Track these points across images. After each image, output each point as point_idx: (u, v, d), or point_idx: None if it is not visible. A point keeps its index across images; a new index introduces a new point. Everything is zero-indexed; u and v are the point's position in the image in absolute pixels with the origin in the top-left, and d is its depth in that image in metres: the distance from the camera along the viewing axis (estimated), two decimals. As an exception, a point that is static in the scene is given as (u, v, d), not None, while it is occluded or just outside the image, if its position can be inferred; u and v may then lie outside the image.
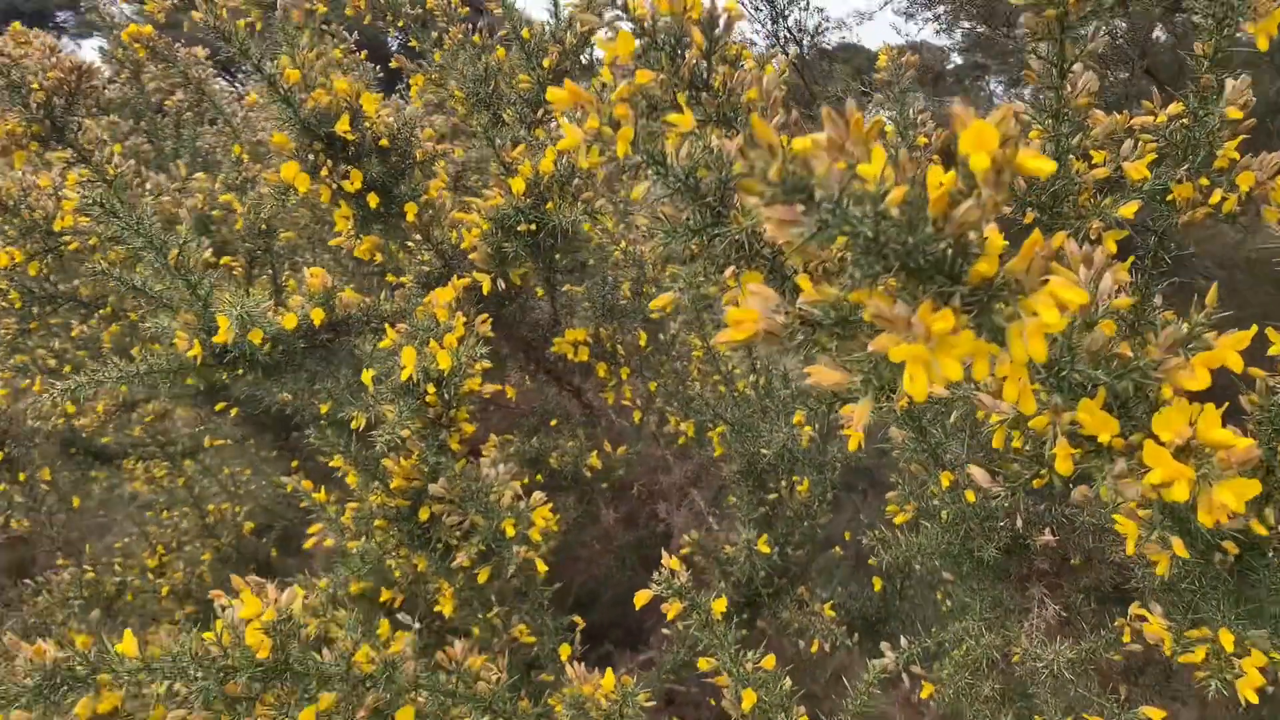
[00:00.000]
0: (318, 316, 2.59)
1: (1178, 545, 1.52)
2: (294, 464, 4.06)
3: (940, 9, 6.01)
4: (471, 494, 2.52)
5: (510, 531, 2.53)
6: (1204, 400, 1.46)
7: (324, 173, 2.52)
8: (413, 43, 4.43)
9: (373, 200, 2.57)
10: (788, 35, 5.95)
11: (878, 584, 3.34)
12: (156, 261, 2.33)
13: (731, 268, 1.62)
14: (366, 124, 2.58)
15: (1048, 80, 1.91)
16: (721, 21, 1.94)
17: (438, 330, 2.57)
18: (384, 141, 2.59)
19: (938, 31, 6.77)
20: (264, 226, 3.78)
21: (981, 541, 2.42)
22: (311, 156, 2.53)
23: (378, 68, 5.20)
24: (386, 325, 2.57)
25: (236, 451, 4.82)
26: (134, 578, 4.01)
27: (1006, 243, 1.22)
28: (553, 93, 1.50)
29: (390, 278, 3.20)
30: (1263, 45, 1.86)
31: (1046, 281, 1.13)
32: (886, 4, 6.21)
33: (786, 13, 5.74)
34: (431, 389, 2.43)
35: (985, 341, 1.21)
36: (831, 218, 1.10)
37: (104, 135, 4.44)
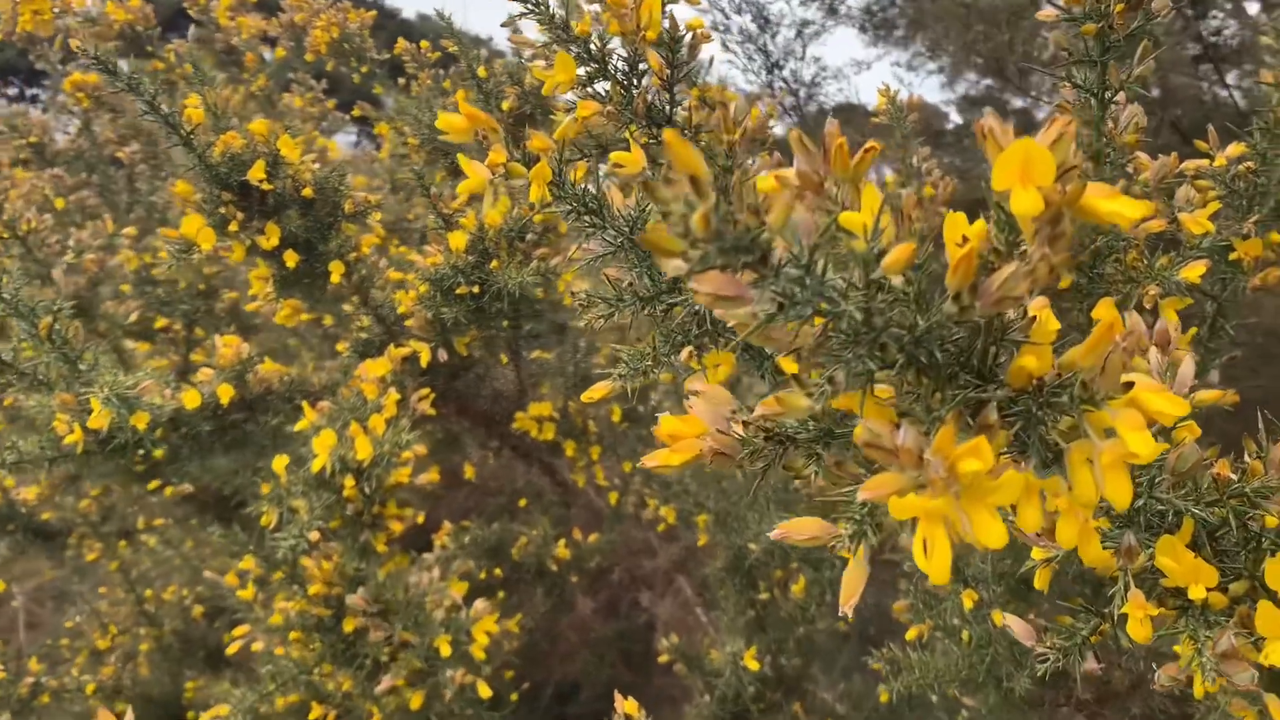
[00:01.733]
0: (225, 394, 2.21)
1: (1274, 706, 1.10)
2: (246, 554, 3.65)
3: (944, 59, 5.70)
4: (399, 606, 2.12)
5: (446, 650, 2.13)
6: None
7: (233, 227, 2.16)
8: (377, 89, 4.13)
9: (290, 259, 2.20)
10: (784, 87, 5.64)
11: (884, 694, 2.91)
12: (25, 331, 1.96)
13: (689, 347, 1.24)
14: (288, 171, 2.22)
15: (1085, 113, 1.55)
16: (685, 43, 1.58)
17: (363, 410, 2.19)
18: (307, 191, 2.23)
19: (942, 85, 6.46)
20: (203, 286, 3.43)
21: (1011, 669, 2.01)
22: (220, 209, 2.17)
23: (348, 116, 4.90)
24: (305, 404, 2.19)
25: (184, 530, 4.42)
26: (53, 678, 3.59)
27: (1059, 325, 0.84)
28: (445, 119, 1.14)
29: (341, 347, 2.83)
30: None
31: (1130, 385, 0.75)
32: (884, 55, 5.88)
33: (782, 63, 5.43)
34: (350, 481, 2.05)
35: (1035, 476, 0.82)
36: (799, 291, 0.72)
37: (47, 190, 4.12)
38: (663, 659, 2.82)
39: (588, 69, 1.56)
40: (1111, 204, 0.69)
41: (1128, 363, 0.70)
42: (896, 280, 0.77)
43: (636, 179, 1.32)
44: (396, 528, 2.17)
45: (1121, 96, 1.58)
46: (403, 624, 2.12)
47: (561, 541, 3.10)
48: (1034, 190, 0.66)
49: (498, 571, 3.00)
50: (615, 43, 1.57)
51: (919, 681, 2.03)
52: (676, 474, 0.84)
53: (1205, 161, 1.77)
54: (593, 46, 1.55)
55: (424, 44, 3.97)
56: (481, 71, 2.75)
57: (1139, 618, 0.97)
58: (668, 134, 0.62)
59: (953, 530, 0.65)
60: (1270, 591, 0.94)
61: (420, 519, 3.42)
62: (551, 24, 1.53)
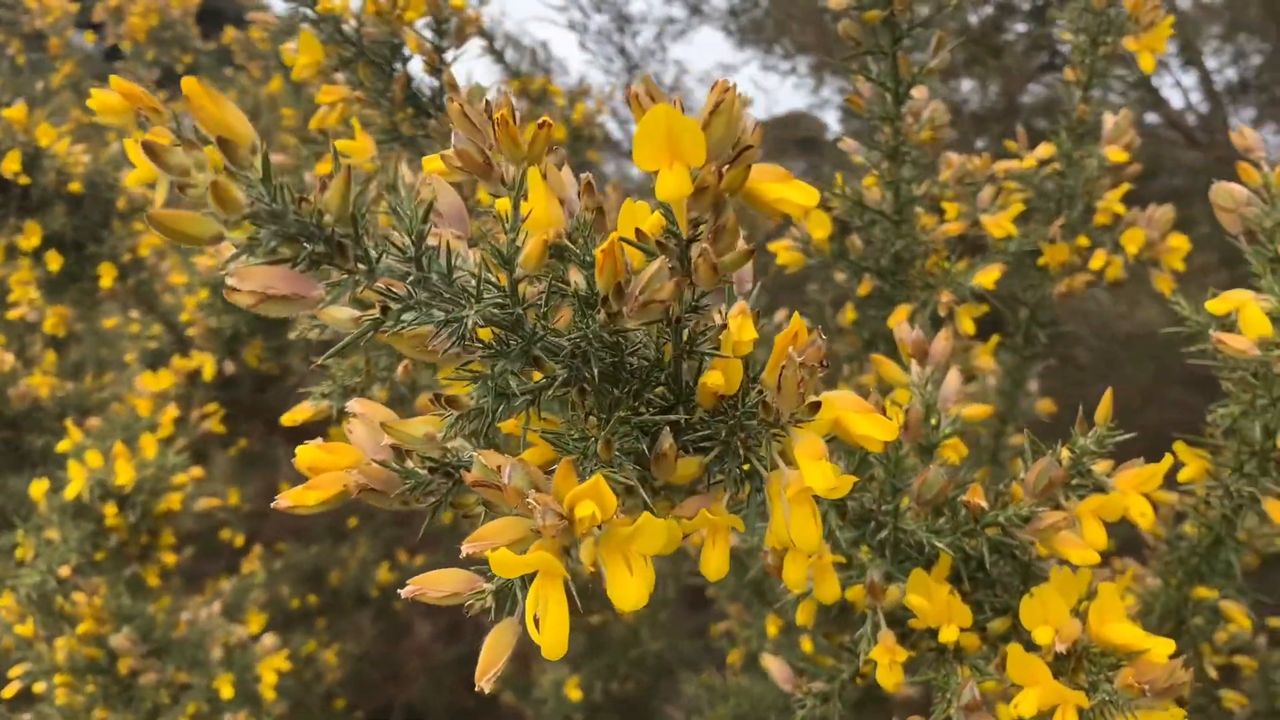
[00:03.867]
0: (-24, 411, 1.98)
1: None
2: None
3: (800, 61, 5.68)
4: (171, 645, 1.92)
5: (227, 692, 1.93)
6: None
7: (-17, 225, 1.93)
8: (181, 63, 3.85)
9: (52, 261, 1.98)
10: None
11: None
12: None
13: (405, 361, 1.10)
14: (52, 164, 2.00)
15: (881, 109, 1.46)
16: (452, 24, 1.44)
17: (135, 429, 1.98)
18: (75, 186, 2.01)
19: (810, 91, 6.45)
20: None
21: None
22: (-31, 204, 1.93)
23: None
24: (69, 423, 1.97)
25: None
26: None
27: (755, 335, 0.72)
28: (97, 97, 0.97)
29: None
30: (1147, 65, 1.44)
31: (817, 406, 0.64)
32: (750, 60, 5.83)
33: (641, 64, 5.33)
34: (112, 510, 1.84)
35: (720, 512, 0.70)
36: (412, 289, 0.58)
37: None
38: (488, 690, 2.66)
39: (341, 52, 1.40)
40: (783, 190, 0.57)
41: (806, 380, 0.58)
42: (578, 280, 0.64)
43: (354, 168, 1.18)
44: (169, 559, 1.96)
45: (921, 92, 1.50)
46: (177, 664, 1.91)
47: (385, 565, 2.91)
48: (682, 170, 0.54)
49: (313, 599, 2.79)
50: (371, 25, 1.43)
51: (734, 711, 1.92)
52: (322, 510, 0.68)
53: (1015, 163, 1.71)
54: (346, 28, 1.39)
55: (254, 32, 3.75)
56: (287, 59, 2.55)
57: (886, 663, 0.86)
58: (187, 83, 0.47)
59: (560, 591, 0.52)
60: (1024, 633, 0.84)
61: (239, 541, 3.19)
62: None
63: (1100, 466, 0.88)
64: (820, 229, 1.52)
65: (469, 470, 0.72)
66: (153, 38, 3.85)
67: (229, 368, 2.14)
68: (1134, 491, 0.85)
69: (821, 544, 0.78)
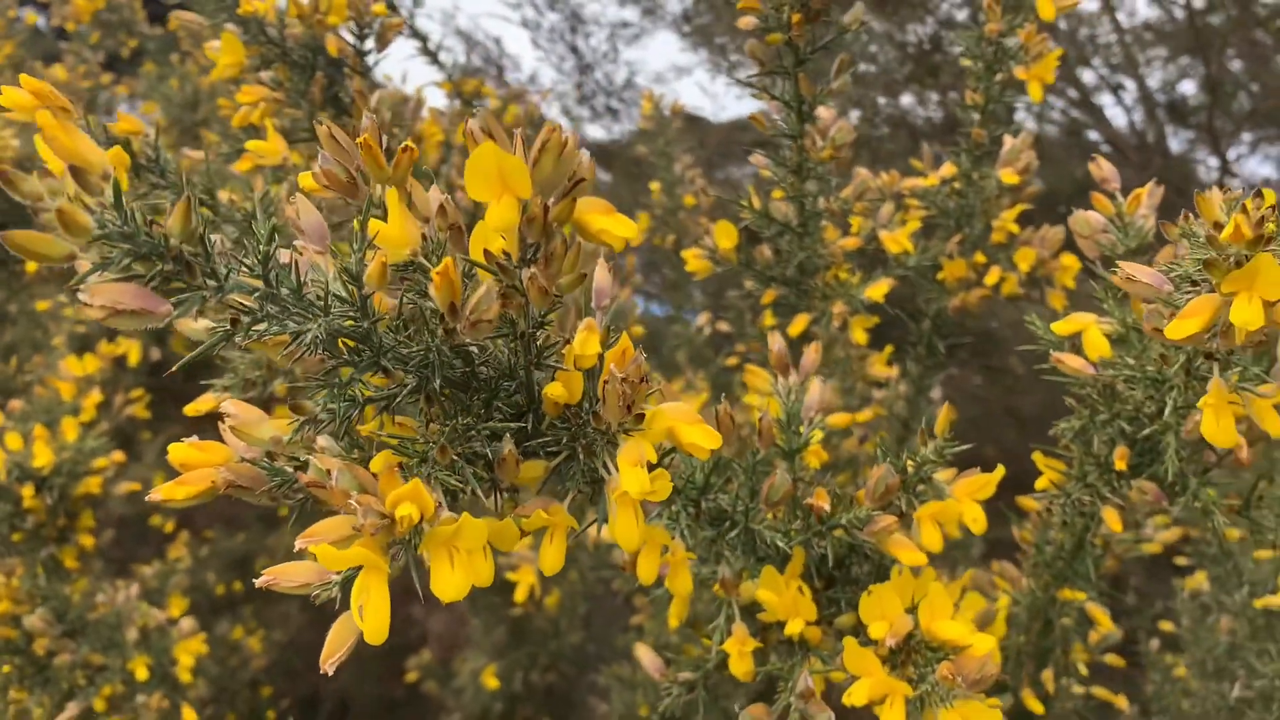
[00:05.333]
0: (-103, 391, 1.99)
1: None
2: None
3: (741, 71, 5.75)
4: (87, 626, 1.94)
5: (141, 674, 1.96)
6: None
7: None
8: (148, 66, 3.85)
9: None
10: (597, 88, 5.59)
11: (643, 708, 2.87)
12: None
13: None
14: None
15: (788, 127, 1.52)
16: (374, 28, 1.48)
17: (58, 412, 2.00)
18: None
19: (739, 96, 6.52)
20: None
21: (729, 689, 1.98)
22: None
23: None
24: (-11, 405, 1.98)
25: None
26: None
27: (598, 350, 0.77)
28: (8, 94, 1.00)
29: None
30: (1035, 95, 1.51)
31: (641, 418, 0.70)
32: (702, 62, 5.90)
33: (594, 65, 5.37)
34: (29, 491, 1.86)
35: (559, 510, 0.76)
36: (262, 303, 0.63)
37: None
38: (410, 678, 2.71)
39: (264, 52, 1.44)
40: (604, 221, 0.63)
41: (630, 394, 0.64)
42: (438, 296, 0.69)
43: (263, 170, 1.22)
44: (88, 541, 1.98)
45: (827, 112, 1.56)
46: (91, 645, 1.94)
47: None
48: (511, 202, 0.59)
49: (238, 586, 2.81)
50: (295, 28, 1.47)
51: (641, 701, 1.99)
52: (188, 506, 0.73)
53: (920, 180, 1.79)
54: (270, 30, 1.43)
55: (190, 16, 3.73)
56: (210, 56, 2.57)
57: (737, 652, 0.93)
58: (41, 116, 0.52)
59: (386, 587, 0.57)
60: (863, 628, 0.91)
61: (169, 527, 3.20)
62: (221, 2, 1.40)
63: (942, 475, 0.95)
64: (726, 239, 1.59)
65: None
66: (97, 20, 3.82)
67: (154, 354, 2.16)
68: (968, 499, 0.92)
69: (671, 539, 0.84)
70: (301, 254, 0.63)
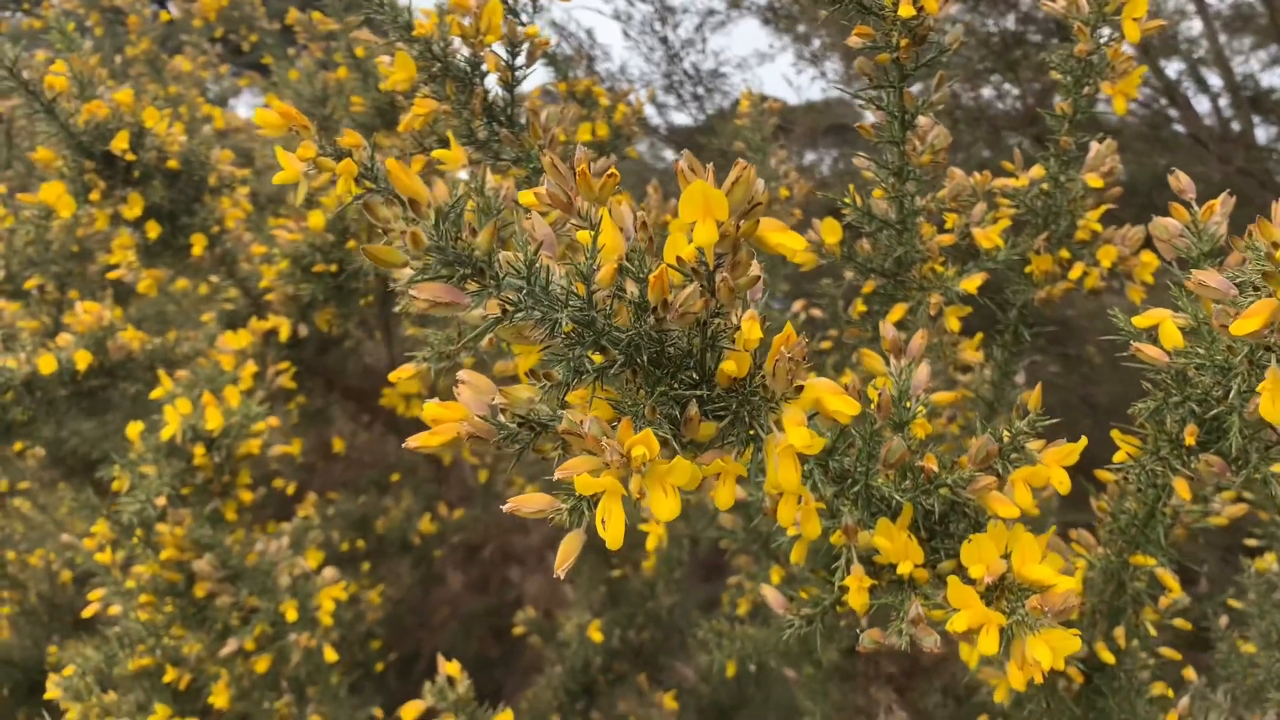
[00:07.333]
0: (83, 360, 2.25)
1: (1013, 677, 1.25)
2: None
3: (829, 65, 5.87)
4: (245, 572, 2.19)
5: (291, 615, 2.21)
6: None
7: (95, 195, 2.19)
8: (266, 59, 4.12)
9: (152, 230, 2.24)
10: (685, 77, 5.75)
11: (731, 668, 3.07)
12: None
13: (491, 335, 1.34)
14: (154, 143, 2.25)
15: (889, 134, 1.69)
16: (524, 47, 1.67)
17: (219, 381, 2.25)
18: (172, 163, 2.27)
19: (824, 91, 6.62)
20: (76, 248, 3.41)
21: (822, 642, 2.16)
22: (83, 176, 2.19)
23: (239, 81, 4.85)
24: (161, 373, 2.24)
25: (50, 494, 4.36)
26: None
27: (760, 335, 0.96)
28: (260, 115, 1.21)
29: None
30: (1120, 108, 1.66)
31: (801, 389, 0.88)
32: (786, 48, 6.02)
33: (681, 55, 5.55)
34: (200, 450, 2.11)
35: (730, 461, 0.95)
36: (523, 298, 0.83)
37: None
38: (517, 631, 2.93)
39: (431, 69, 1.64)
40: (780, 237, 0.81)
41: (793, 370, 0.82)
42: (632, 290, 0.88)
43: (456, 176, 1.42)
44: (246, 497, 2.23)
45: (926, 119, 1.72)
46: (249, 589, 2.19)
47: (427, 516, 3.18)
48: (711, 223, 0.78)
49: (360, 544, 3.06)
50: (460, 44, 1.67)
51: (740, 653, 2.18)
52: (440, 452, 0.93)
53: (1010, 180, 1.93)
54: (435, 47, 1.63)
55: (316, 15, 3.98)
56: (359, 51, 2.80)
57: (856, 587, 1.11)
58: (388, 163, 0.72)
59: (625, 507, 0.77)
60: (964, 569, 1.08)
61: (291, 489, 3.47)
62: (395, 24, 1.61)
63: (1033, 445, 1.12)
64: (831, 235, 1.76)
65: (546, 426, 0.97)
66: (222, 16, 4.09)
67: (302, 330, 2.40)
68: (1055, 465, 1.09)
69: (806, 491, 1.02)
70: (547, 260, 0.83)
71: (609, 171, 0.92)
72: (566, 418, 0.80)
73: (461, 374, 0.97)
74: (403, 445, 0.96)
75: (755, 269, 0.94)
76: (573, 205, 0.91)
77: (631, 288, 0.87)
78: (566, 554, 0.83)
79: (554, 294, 0.80)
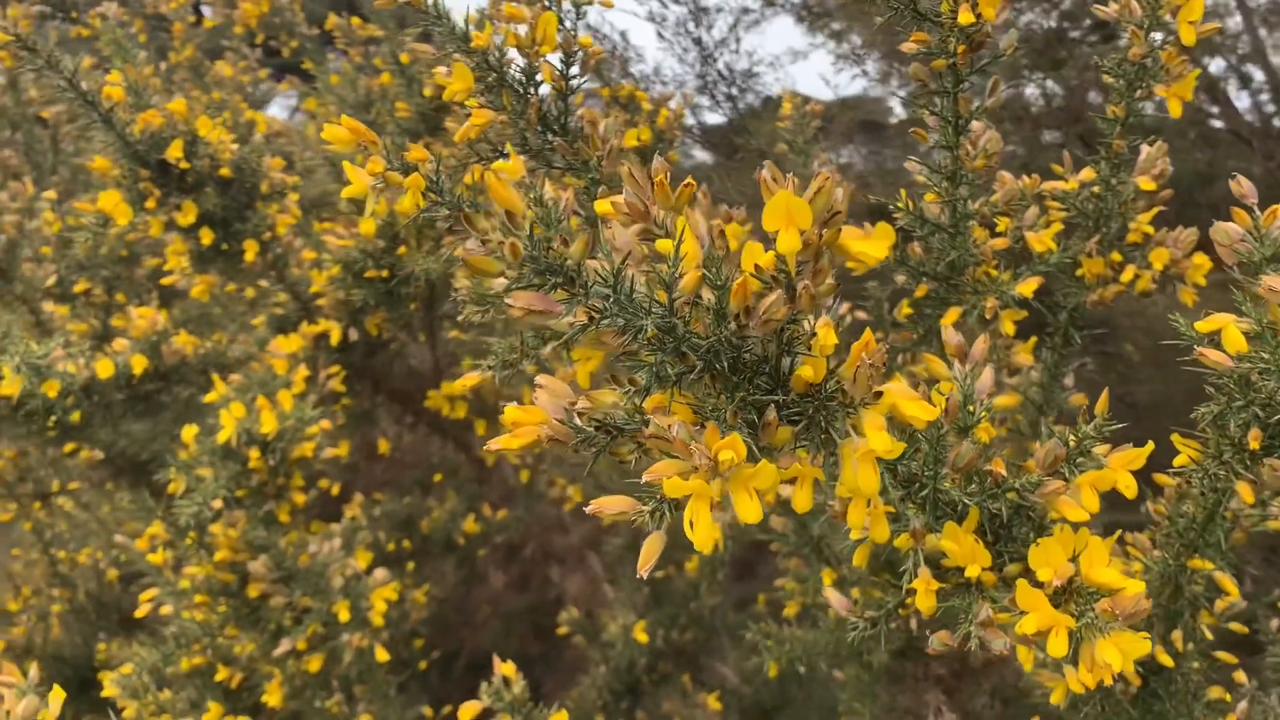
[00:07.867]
0: (139, 364, 2.29)
1: (1071, 679, 1.26)
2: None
3: (869, 64, 5.86)
4: (298, 573, 2.23)
5: (344, 615, 2.24)
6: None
7: (151, 203, 2.23)
8: (306, 64, 4.17)
9: (205, 236, 2.28)
10: (718, 77, 5.77)
11: (773, 669, 3.08)
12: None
13: (553, 342, 1.37)
14: (206, 151, 2.30)
15: (943, 138, 1.69)
16: (578, 57, 1.70)
17: (272, 385, 2.28)
18: (225, 171, 2.31)
19: (865, 89, 6.61)
20: (124, 253, 3.47)
21: (871, 643, 2.17)
22: (139, 185, 2.24)
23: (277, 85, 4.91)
24: (215, 377, 2.28)
25: (101, 495, 4.44)
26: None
27: (835, 341, 0.97)
28: (329, 131, 1.24)
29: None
30: (1175, 111, 1.66)
31: (880, 394, 0.89)
32: (820, 45, 6.02)
33: (715, 55, 5.56)
34: (255, 454, 2.15)
35: (808, 465, 0.96)
36: (609, 305, 0.85)
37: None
38: (561, 631, 2.96)
39: (486, 79, 1.67)
40: (861, 245, 0.83)
41: (874, 375, 0.84)
42: (708, 296, 0.90)
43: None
44: (300, 499, 2.27)
45: (977, 124, 1.72)
46: (303, 590, 2.22)
47: (471, 516, 3.21)
48: (794, 232, 0.79)
49: (406, 544, 3.10)
50: (514, 54, 1.69)
51: (789, 654, 2.19)
52: (522, 455, 0.96)
53: (1060, 184, 1.93)
54: (491, 58, 1.65)
55: (355, 20, 4.02)
56: (404, 58, 2.83)
57: (923, 590, 1.12)
58: (488, 177, 0.74)
59: (715, 511, 0.78)
60: (1032, 572, 1.09)
61: (335, 490, 3.51)
62: (452, 36, 1.63)
63: (1099, 449, 1.13)
64: (885, 239, 1.76)
65: (623, 430, 0.99)
66: (262, 22, 4.14)
67: (353, 334, 2.44)
68: (1122, 469, 1.10)
69: (877, 495, 1.03)
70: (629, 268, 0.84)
71: (686, 181, 0.93)
72: (654, 422, 0.81)
73: (539, 379, 0.99)
74: (484, 448, 0.98)
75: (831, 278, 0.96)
76: (650, 214, 0.93)
77: (708, 295, 0.89)
78: (649, 555, 0.85)
79: (638, 302, 0.82)
